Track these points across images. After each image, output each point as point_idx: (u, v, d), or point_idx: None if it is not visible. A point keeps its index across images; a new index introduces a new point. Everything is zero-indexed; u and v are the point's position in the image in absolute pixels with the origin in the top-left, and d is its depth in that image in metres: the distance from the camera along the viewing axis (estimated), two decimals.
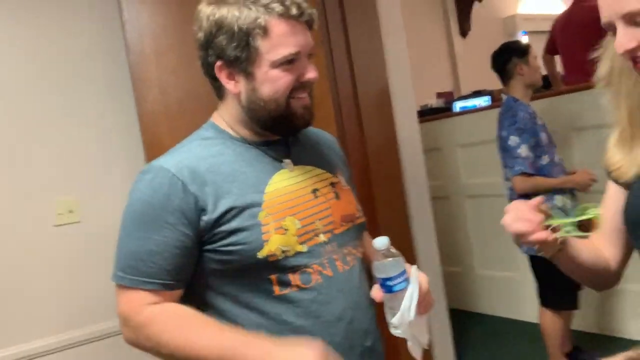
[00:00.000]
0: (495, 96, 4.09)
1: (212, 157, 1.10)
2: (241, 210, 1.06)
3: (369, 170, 2.38)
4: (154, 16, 2.05)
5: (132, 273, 1.04)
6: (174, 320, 1.04)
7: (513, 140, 2.57)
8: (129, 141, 2.18)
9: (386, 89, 2.52)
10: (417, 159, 2.62)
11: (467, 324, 3.59)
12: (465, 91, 5.29)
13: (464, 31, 6.03)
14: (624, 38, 0.90)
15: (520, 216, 0.96)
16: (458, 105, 4.17)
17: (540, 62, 3.03)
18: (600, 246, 1.09)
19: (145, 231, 1.05)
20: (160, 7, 2.06)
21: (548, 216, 0.97)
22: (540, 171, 2.58)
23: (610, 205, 1.08)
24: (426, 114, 4.30)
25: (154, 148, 1.96)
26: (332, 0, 2.40)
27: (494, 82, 3.41)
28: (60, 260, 2.09)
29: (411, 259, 2.50)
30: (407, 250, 2.50)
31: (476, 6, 6.06)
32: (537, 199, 0.98)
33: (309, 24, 1.09)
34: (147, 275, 1.04)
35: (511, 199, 2.70)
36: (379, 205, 2.42)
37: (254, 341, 0.99)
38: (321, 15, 2.35)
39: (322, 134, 1.32)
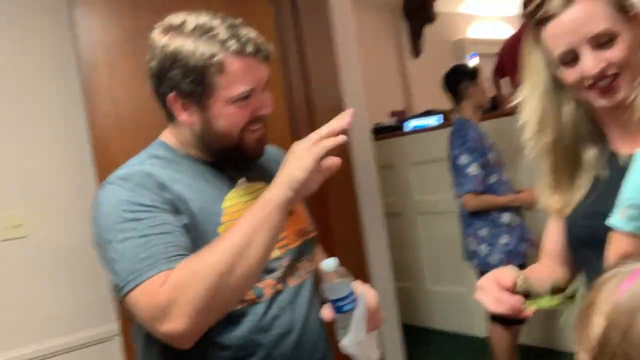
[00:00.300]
0: (446, 116, 4.20)
1: (169, 172, 1.09)
2: (202, 222, 1.06)
3: (323, 187, 2.38)
4: (107, 27, 2.02)
5: (149, 262, 0.97)
6: (189, 261, 0.97)
7: (463, 159, 2.66)
8: (78, 154, 2.12)
9: (340, 107, 2.55)
10: (371, 176, 2.66)
11: (418, 339, 3.62)
12: (417, 110, 5.40)
13: (416, 52, 6.17)
14: (593, 62, 0.94)
15: (500, 299, 0.94)
16: (410, 124, 4.26)
17: (488, 84, 3.15)
18: (552, 270, 1.13)
19: (143, 223, 1.00)
20: (113, 18, 2.03)
21: (525, 294, 0.94)
22: (489, 189, 2.66)
23: (555, 229, 1.12)
24: (379, 132, 4.36)
25: (104, 161, 1.92)
26: (287, 19, 2.43)
27: (444, 102, 3.50)
28: (6, 276, 2.01)
29: (365, 274, 2.53)
30: (360, 266, 2.52)
31: (428, 29, 6.24)
32: (510, 279, 0.95)
33: (265, 59, 1.08)
34: (165, 256, 0.97)
35: (462, 216, 2.79)
36: (334, 222, 2.44)
37: (263, 197, 1.02)
38: (277, 33, 2.37)
39: (271, 150, 1.33)
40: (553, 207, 1.08)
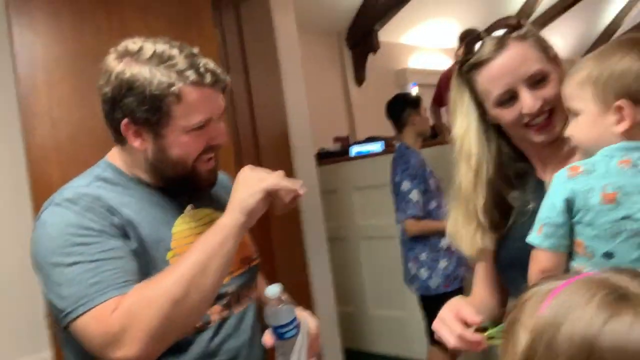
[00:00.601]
0: (387, 142, 4.30)
1: (117, 196, 1.07)
2: (151, 248, 1.05)
3: (267, 212, 2.40)
4: (48, 47, 1.98)
5: (100, 288, 0.95)
6: (143, 286, 0.96)
7: (405, 185, 2.74)
8: (14, 175, 2.05)
9: (285, 132, 2.58)
10: (314, 202, 2.69)
11: None
12: (360, 137, 5.51)
13: (359, 80, 6.32)
14: (532, 100, 1.01)
15: (463, 337, 0.96)
16: (354, 150, 4.34)
17: (428, 113, 3.27)
18: (487, 296, 1.18)
19: (91, 248, 0.98)
20: (54, 38, 2.00)
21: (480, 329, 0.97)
22: (429, 215, 2.75)
23: (486, 257, 1.18)
24: (323, 157, 4.42)
25: (41, 183, 1.87)
26: (233, 44, 2.45)
27: (387, 129, 3.59)
28: None
29: (308, 299, 2.53)
30: (303, 290, 2.53)
31: (371, 58, 6.40)
32: (475, 318, 0.97)
33: (223, 89, 1.09)
34: (115, 282, 0.96)
35: (403, 241, 2.85)
36: (277, 247, 2.44)
37: (217, 223, 1.04)
38: (223, 59, 2.38)
39: (219, 176, 1.34)
40: (488, 247, 1.11)
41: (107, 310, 0.93)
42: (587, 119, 0.91)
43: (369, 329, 3.91)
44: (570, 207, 0.88)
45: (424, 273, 2.77)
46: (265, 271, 2.47)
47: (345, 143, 4.91)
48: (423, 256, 2.77)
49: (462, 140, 1.12)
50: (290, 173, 2.58)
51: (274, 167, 2.49)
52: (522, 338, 0.51)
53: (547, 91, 1.01)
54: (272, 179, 1.05)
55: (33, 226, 1.06)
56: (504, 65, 1.02)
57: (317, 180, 2.73)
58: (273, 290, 1.04)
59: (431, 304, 2.70)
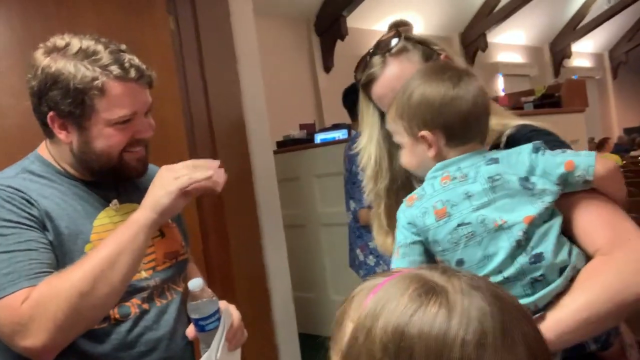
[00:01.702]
0: (349, 130, 4.34)
1: (41, 188, 1.10)
2: (69, 240, 1.07)
3: (222, 199, 2.42)
4: None
5: (12, 278, 0.98)
6: (53, 278, 1.00)
7: (361, 174, 2.80)
8: None
9: (242, 120, 2.59)
10: (271, 189, 2.71)
11: (318, 347, 3.69)
12: (328, 124, 5.55)
13: (327, 67, 6.34)
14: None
15: None
16: (319, 137, 4.37)
17: None
18: None
19: (8, 239, 1.01)
20: (2, 27, 1.98)
21: None
22: None
23: None
24: (288, 145, 4.44)
25: None
26: (188, 31, 2.44)
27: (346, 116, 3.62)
28: None
29: (264, 285, 2.57)
30: (259, 277, 2.56)
31: (339, 44, 6.41)
32: None
33: (148, 84, 1.12)
34: (28, 273, 0.99)
35: (351, 228, 2.96)
36: (232, 235, 2.46)
37: (129, 219, 1.07)
38: (177, 47, 2.38)
39: (153, 170, 1.34)
40: (389, 249, 1.18)
41: (17, 300, 0.96)
42: (407, 150, 1.02)
43: (329, 315, 3.96)
44: (416, 231, 0.97)
45: (372, 260, 2.87)
46: (221, 259, 2.49)
47: (311, 130, 4.94)
48: (373, 244, 2.86)
49: (364, 150, 1.22)
50: (246, 161, 2.60)
51: (229, 156, 2.51)
52: (348, 328, 0.56)
53: None
54: (185, 177, 1.07)
55: None
56: (386, 81, 1.10)
57: (274, 168, 2.75)
58: (195, 283, 1.06)
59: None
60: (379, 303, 0.54)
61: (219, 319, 1.08)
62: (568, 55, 11.50)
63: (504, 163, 0.95)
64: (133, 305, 1.12)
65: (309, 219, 3.98)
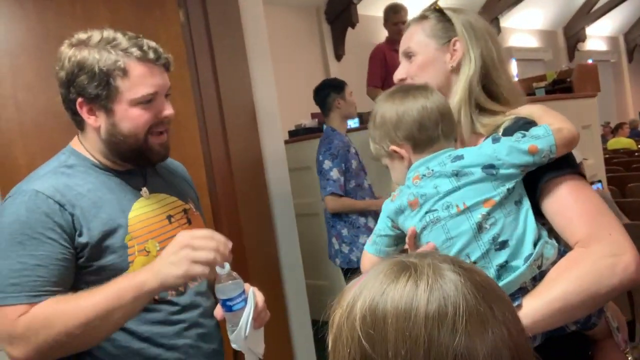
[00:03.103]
0: (364, 118, 4.35)
1: (77, 185, 1.17)
2: (109, 233, 1.16)
3: (234, 189, 2.46)
4: (11, 32, 2.01)
5: (16, 290, 1.06)
6: (52, 306, 1.07)
7: (327, 164, 2.96)
8: None
9: (253, 111, 2.62)
10: (283, 179, 2.75)
11: None
12: None
13: (338, 55, 6.34)
14: (400, 69, 1.21)
15: None
16: None
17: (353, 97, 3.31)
18: None
19: (26, 249, 1.08)
20: (18, 24, 2.02)
21: None
22: (348, 193, 2.98)
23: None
24: (300, 134, 4.47)
25: (6, 167, 1.92)
26: (198, 22, 2.47)
27: (363, 104, 3.65)
28: None
29: (277, 274, 2.62)
30: (272, 265, 2.61)
31: (350, 32, 6.40)
32: None
33: (166, 67, 1.20)
34: (32, 289, 1.07)
35: (325, 218, 3.09)
36: (245, 223, 2.51)
37: (135, 274, 1.11)
38: (187, 40, 2.41)
39: (173, 162, 1.44)
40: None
41: (14, 313, 1.06)
42: (390, 168, 1.13)
43: None
44: (394, 223, 1.08)
45: (345, 248, 2.99)
46: (233, 248, 2.54)
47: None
48: (344, 232, 3.00)
49: None
50: (258, 151, 2.64)
51: (241, 145, 2.54)
52: (337, 314, 0.62)
53: (410, 66, 1.19)
54: (199, 268, 1.07)
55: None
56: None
57: (285, 157, 2.79)
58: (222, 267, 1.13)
59: (354, 276, 2.95)
60: (362, 285, 0.60)
61: (244, 300, 1.15)
62: (582, 38, 11.36)
63: (468, 157, 1.02)
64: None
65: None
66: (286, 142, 3.42)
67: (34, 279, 1.07)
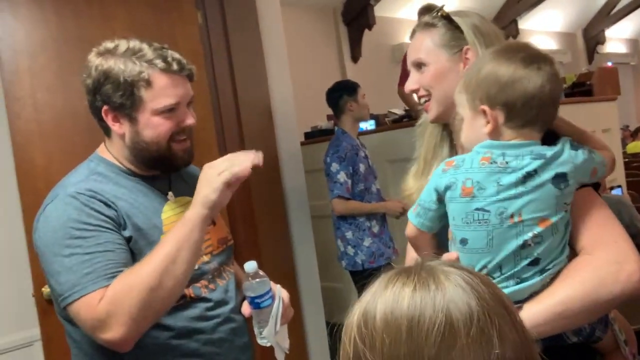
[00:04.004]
0: (380, 121, 4.32)
1: (111, 189, 1.22)
2: (147, 233, 1.20)
3: (250, 191, 2.46)
4: (31, 33, 2.02)
5: (92, 278, 1.09)
6: (123, 276, 1.10)
7: (334, 166, 2.95)
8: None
9: (269, 112, 2.62)
10: (299, 180, 2.74)
11: None
12: None
13: (355, 57, 6.32)
14: (410, 80, 1.17)
15: None
16: None
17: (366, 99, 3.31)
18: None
19: (88, 241, 1.12)
20: (37, 25, 2.04)
21: None
22: (355, 197, 2.96)
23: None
24: (315, 136, 4.46)
25: (25, 167, 1.93)
26: (215, 23, 2.48)
27: (381, 106, 3.63)
28: None
29: (292, 276, 2.61)
30: (288, 267, 2.60)
31: (367, 33, 6.38)
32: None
33: (189, 77, 1.24)
34: (106, 273, 1.10)
35: (333, 220, 3.07)
36: (260, 225, 2.51)
37: (184, 216, 1.17)
38: (205, 41, 2.42)
39: (194, 168, 1.46)
40: (406, 192, 1.24)
41: (95, 299, 1.08)
42: (466, 123, 1.02)
43: None
44: (440, 197, 1.00)
45: (350, 250, 2.99)
46: (249, 249, 2.54)
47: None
48: (349, 235, 2.99)
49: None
50: (274, 152, 2.64)
51: (257, 147, 2.53)
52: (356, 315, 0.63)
53: (422, 77, 1.15)
54: (227, 172, 1.16)
55: (37, 216, 1.20)
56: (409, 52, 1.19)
57: (301, 159, 2.78)
58: (250, 265, 1.17)
59: (359, 279, 2.96)
60: (370, 290, 0.62)
61: (271, 297, 1.19)
62: (602, 41, 11.21)
63: (549, 160, 0.95)
64: (202, 286, 1.27)
65: None
66: (302, 143, 3.41)
67: (105, 263, 1.11)
